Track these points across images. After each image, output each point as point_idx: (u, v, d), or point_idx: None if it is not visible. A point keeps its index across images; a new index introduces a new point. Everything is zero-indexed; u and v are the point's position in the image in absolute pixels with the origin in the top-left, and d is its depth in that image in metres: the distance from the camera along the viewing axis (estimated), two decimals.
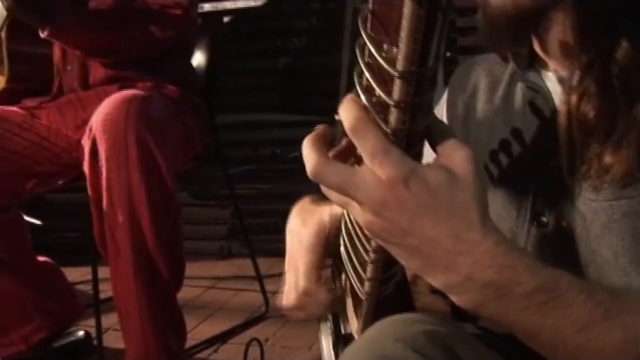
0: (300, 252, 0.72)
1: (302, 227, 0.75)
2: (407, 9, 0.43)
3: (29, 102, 1.68)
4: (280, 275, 0.78)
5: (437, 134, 0.52)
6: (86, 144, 1.37)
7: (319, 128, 0.55)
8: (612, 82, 0.63)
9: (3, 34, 1.62)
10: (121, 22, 1.56)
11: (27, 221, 1.72)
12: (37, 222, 1.73)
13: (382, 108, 0.49)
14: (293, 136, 2.68)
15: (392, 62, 0.46)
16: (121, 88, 1.55)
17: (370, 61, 0.49)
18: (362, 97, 0.50)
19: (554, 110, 0.70)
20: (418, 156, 0.53)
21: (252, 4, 2.55)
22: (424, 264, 0.51)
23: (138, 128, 1.32)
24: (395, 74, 0.45)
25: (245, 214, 2.22)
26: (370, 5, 0.49)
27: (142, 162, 1.32)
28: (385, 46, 0.48)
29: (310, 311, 0.74)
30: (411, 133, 0.49)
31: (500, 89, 0.81)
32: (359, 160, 0.52)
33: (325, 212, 0.72)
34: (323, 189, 0.53)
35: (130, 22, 1.58)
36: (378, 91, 0.48)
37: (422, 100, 0.48)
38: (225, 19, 2.34)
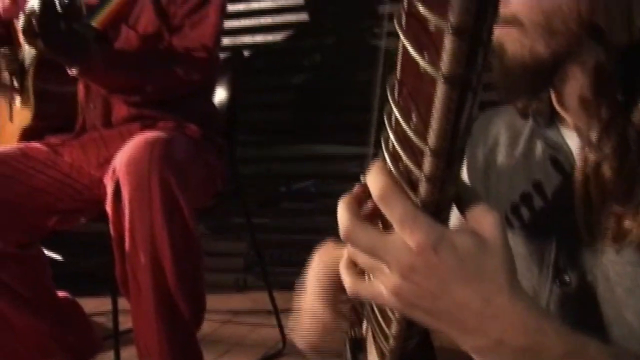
0: (312, 283, 0.73)
1: (319, 265, 0.76)
2: (439, 91, 0.43)
3: (52, 139, 1.72)
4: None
5: (464, 198, 0.53)
6: (109, 184, 1.41)
7: (356, 189, 0.56)
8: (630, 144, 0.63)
9: (30, 73, 1.67)
10: (148, 63, 1.60)
11: (47, 256, 1.74)
12: (58, 257, 1.76)
13: (410, 177, 0.50)
14: (309, 169, 2.72)
15: (422, 135, 0.46)
16: (143, 127, 1.59)
17: (398, 129, 0.51)
18: (389, 162, 0.51)
19: (575, 168, 0.71)
20: (445, 220, 0.54)
21: (271, 38, 2.60)
22: (453, 328, 0.52)
23: (161, 170, 1.35)
24: (427, 150, 0.46)
25: (261, 246, 2.23)
26: (398, 75, 0.50)
27: (165, 205, 1.35)
28: (414, 117, 0.49)
29: (316, 335, 0.75)
30: (440, 202, 0.51)
31: (521, 142, 0.82)
32: (384, 222, 0.53)
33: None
34: (351, 251, 0.55)
35: (157, 63, 1.62)
36: (406, 161, 0.49)
37: (453, 173, 0.49)
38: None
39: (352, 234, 0.51)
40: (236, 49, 2.46)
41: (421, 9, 0.45)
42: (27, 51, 1.66)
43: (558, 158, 0.74)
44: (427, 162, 0.47)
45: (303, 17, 2.58)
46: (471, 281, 0.49)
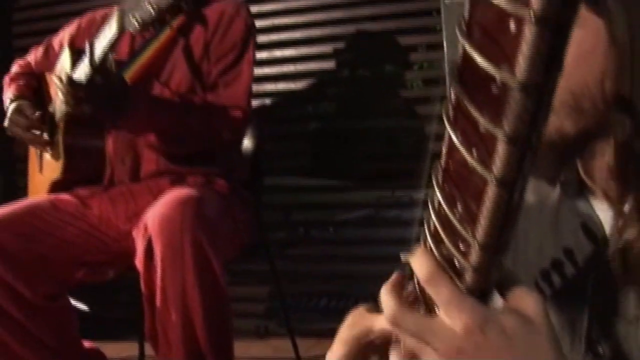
0: (335, 345, 0.74)
1: (347, 328, 0.76)
2: (491, 192, 0.45)
3: (82, 191, 1.75)
4: (319, 357, 0.78)
5: (504, 280, 0.55)
6: (140, 241, 1.43)
7: (396, 275, 0.58)
8: None
9: (61, 127, 1.71)
10: (186, 113, 1.66)
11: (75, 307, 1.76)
12: (84, 307, 1.77)
13: (453, 261, 0.51)
14: (333, 217, 2.73)
15: (468, 226, 0.48)
16: (172, 182, 1.64)
17: (441, 213, 0.52)
18: (430, 241, 0.53)
19: (605, 239, 0.72)
20: (488, 302, 0.55)
21: (293, 86, 2.65)
22: None
23: (194, 230, 1.38)
24: (475, 244, 0.47)
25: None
26: (443, 161, 0.52)
27: (197, 263, 1.38)
28: (459, 206, 0.50)
29: None
30: (485, 287, 0.52)
31: (549, 207, 0.83)
32: (428, 304, 0.55)
33: (377, 322, 0.72)
34: (399, 331, 0.56)
35: (195, 114, 1.67)
36: (449, 245, 0.51)
37: (499, 262, 0.50)
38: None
39: (398, 319, 0.53)
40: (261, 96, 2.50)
41: (472, 110, 0.47)
42: (58, 105, 1.70)
43: (589, 225, 0.75)
44: (475, 254, 0.48)
45: (325, 65, 2.63)
46: None
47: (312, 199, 2.74)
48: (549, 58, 0.42)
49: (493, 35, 0.44)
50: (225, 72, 1.73)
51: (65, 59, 1.74)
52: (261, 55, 2.61)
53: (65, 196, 1.74)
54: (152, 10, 1.28)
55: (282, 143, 2.70)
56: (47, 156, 1.87)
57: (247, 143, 1.95)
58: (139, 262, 1.45)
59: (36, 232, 1.60)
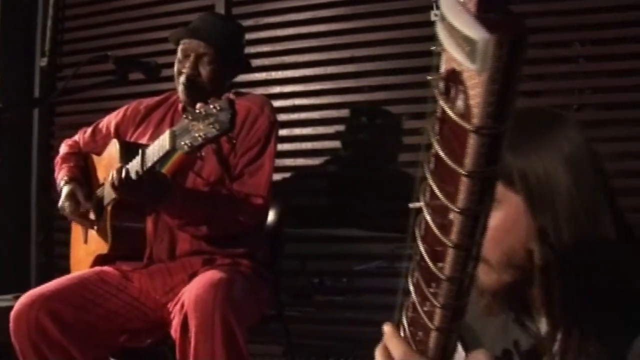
0: None
1: None
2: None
3: (124, 266, 2.09)
4: None
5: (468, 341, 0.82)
6: (177, 316, 1.76)
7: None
8: None
9: (109, 210, 2.03)
10: (213, 204, 1.98)
11: None
12: None
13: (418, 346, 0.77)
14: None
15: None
16: (204, 262, 1.97)
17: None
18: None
19: (542, 339, 1.00)
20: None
21: (310, 162, 2.97)
22: None
23: (223, 310, 1.70)
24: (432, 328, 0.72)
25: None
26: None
27: (225, 338, 1.69)
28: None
29: None
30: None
31: (500, 317, 1.10)
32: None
33: None
34: None
35: (221, 205, 2.00)
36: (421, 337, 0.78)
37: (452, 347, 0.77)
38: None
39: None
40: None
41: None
42: (107, 191, 2.02)
43: (531, 330, 1.02)
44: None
45: (337, 144, 2.96)
46: None
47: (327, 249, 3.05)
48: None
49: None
50: (249, 163, 2.06)
51: (114, 150, 2.07)
52: (281, 132, 2.94)
53: (109, 269, 2.07)
54: (200, 140, 1.57)
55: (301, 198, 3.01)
56: (94, 230, 2.19)
57: (268, 228, 2.24)
58: (174, 332, 1.77)
59: (86, 302, 1.92)
